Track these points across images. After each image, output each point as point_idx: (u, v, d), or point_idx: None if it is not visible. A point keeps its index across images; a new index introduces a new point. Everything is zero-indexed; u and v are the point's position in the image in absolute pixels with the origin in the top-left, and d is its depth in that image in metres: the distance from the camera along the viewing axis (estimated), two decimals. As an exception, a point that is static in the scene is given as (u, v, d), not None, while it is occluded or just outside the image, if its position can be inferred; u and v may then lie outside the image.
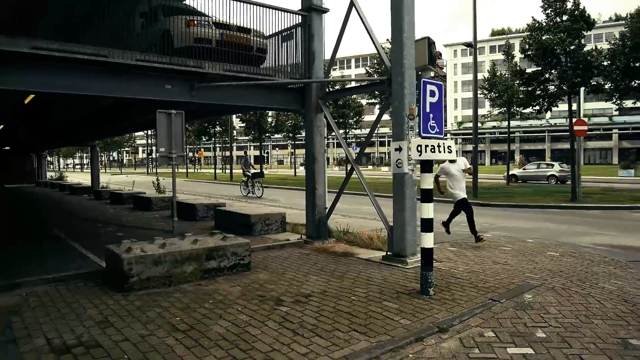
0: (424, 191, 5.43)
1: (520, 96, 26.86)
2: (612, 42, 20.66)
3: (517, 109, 28.57)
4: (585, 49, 16.86)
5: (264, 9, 7.96)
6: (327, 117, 8.42)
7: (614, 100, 21.20)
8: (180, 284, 5.89)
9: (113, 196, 17.71)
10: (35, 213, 15.94)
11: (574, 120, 16.73)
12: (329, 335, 4.27)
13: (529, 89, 18.89)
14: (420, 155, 5.24)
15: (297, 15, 8.54)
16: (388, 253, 7.25)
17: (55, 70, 6.28)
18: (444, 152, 5.45)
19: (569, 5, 16.91)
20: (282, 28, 8.36)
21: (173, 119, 7.18)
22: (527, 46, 17.89)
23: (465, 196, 8.80)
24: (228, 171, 55.77)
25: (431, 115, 5.38)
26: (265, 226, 9.87)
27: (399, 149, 6.96)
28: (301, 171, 53.49)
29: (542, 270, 6.74)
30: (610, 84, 18.84)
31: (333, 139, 52.58)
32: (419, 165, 5.81)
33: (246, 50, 7.95)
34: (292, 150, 76.09)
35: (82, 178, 41.47)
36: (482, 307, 5.06)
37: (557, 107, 20.06)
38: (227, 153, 52.25)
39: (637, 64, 19.54)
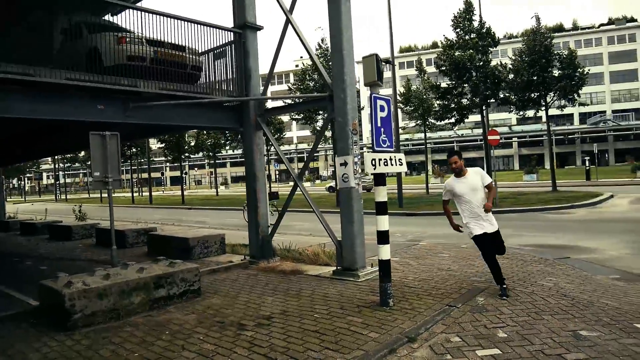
0: (379, 204, 5.55)
1: (435, 109, 28.61)
2: (512, 58, 22.73)
3: (432, 121, 30.31)
4: (492, 64, 18.33)
5: (197, 25, 7.77)
6: (266, 134, 8.34)
7: (517, 111, 23.24)
8: (129, 317, 5.48)
9: (24, 226, 16.14)
10: None
11: (488, 130, 18.04)
12: (303, 356, 4.18)
13: (444, 102, 20.11)
14: (375, 169, 5.36)
15: (231, 33, 8.42)
16: (338, 268, 7.29)
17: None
18: (396, 164, 5.62)
19: (476, 24, 18.34)
20: (216, 45, 8.20)
21: (108, 141, 6.73)
22: (440, 62, 19.07)
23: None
24: (146, 194, 53.18)
25: (382, 129, 5.53)
26: (205, 249, 9.52)
27: (345, 164, 7.06)
28: (222, 191, 52.34)
29: (484, 273, 7.11)
30: (514, 96, 20.57)
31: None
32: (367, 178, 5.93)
33: (181, 68, 7.68)
34: (212, 170, 74.52)
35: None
36: (442, 314, 5.23)
37: (468, 118, 21.55)
38: (144, 175, 49.99)
39: (534, 78, 21.65)
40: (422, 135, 72.19)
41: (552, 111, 24.24)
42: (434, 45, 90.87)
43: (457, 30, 18.24)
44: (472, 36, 18.27)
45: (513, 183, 35.52)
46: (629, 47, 75.28)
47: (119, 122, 6.99)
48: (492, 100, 19.32)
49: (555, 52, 23.19)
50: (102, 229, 12.30)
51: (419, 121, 29.53)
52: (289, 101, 13.40)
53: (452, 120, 20.08)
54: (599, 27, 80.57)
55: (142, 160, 43.58)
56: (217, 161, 49.94)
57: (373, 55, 5.46)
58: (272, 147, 34.66)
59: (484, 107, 18.66)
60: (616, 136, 73.19)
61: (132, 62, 7.00)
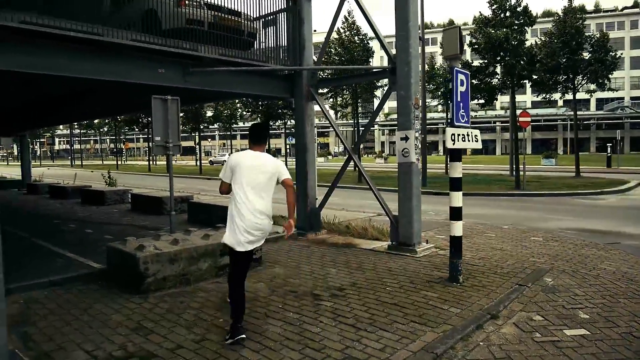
0: (454, 180, 5.45)
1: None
2: (541, 39, 22.16)
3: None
4: (527, 44, 17.89)
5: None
6: (320, 105, 8.20)
7: (543, 95, 22.78)
8: (197, 282, 5.48)
9: (54, 190, 16.20)
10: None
11: (521, 112, 17.74)
12: (392, 327, 4.15)
13: (474, 82, 19.72)
14: (453, 144, 5.24)
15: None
16: (393, 243, 7.24)
17: (40, 49, 5.53)
18: (472, 141, 5.50)
19: (512, 1, 17.83)
20: (270, 12, 8.00)
21: (169, 106, 6.62)
22: (474, 39, 18.63)
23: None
24: (160, 163, 53.32)
25: (461, 104, 5.39)
26: (248, 219, 9.48)
27: (405, 138, 6.94)
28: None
29: (541, 254, 7.06)
30: (543, 78, 20.13)
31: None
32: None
33: (237, 34, 7.52)
34: (224, 142, 74.41)
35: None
36: (515, 292, 5.18)
37: (497, 100, 21.18)
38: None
39: (564, 60, 21.13)
40: (435, 115, 71.55)
41: (569, 96, 23.79)
42: (450, 22, 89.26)
43: (493, 7, 17.76)
44: (507, 14, 17.78)
45: (532, 167, 35.15)
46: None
47: (176, 86, 6.86)
48: (526, 82, 18.92)
49: (586, 34, 22.62)
50: (137, 194, 12.33)
51: (441, 100, 29.18)
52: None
53: (482, 100, 19.70)
54: (622, 10, 78.46)
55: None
56: (227, 133, 49.76)
57: (456, 27, 5.28)
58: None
59: (516, 88, 18.31)
60: (633, 124, 72.05)
61: (191, 26, 6.84)
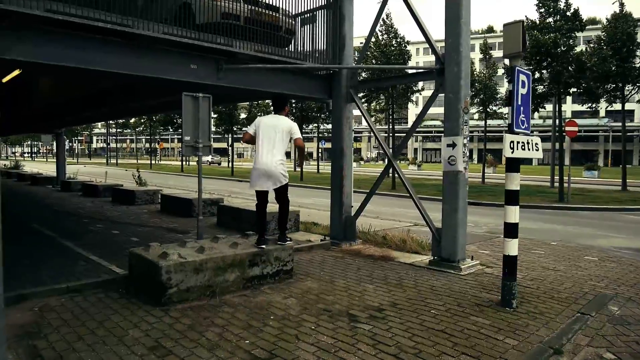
0: (511, 192, 4.86)
1: (500, 95, 27.21)
2: (591, 46, 21.03)
3: (493, 108, 28.91)
4: (577, 50, 16.94)
5: (291, -15, 7.16)
6: (359, 107, 7.71)
7: (590, 104, 21.62)
8: (223, 295, 5.06)
9: (86, 188, 16.25)
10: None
11: (565, 121, 16.78)
12: (441, 361, 3.62)
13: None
14: (512, 152, 4.66)
15: (325, -5, 7.77)
16: (435, 258, 6.67)
17: (68, 40, 5.25)
18: (533, 149, 4.91)
19: (562, 5, 16.93)
20: (310, 8, 7.58)
21: (200, 104, 6.26)
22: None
23: None
24: (192, 164, 53.81)
25: (522, 108, 4.80)
26: (279, 225, 9.06)
27: (453, 145, 6.37)
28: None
29: (599, 277, 6.36)
30: (597, 86, 19.06)
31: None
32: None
33: (275, 30, 7.12)
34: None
35: (37, 167, 38.86)
36: (577, 322, 4.55)
37: (544, 108, 20.23)
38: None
39: (613, 68, 19.95)
40: (471, 122, 69.60)
41: (617, 106, 22.48)
42: (490, 29, 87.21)
43: (541, 10, 16.87)
44: (556, 18, 16.86)
45: (574, 179, 33.62)
46: None
47: (209, 84, 6.51)
48: (574, 90, 17.89)
49: (638, 41, 21.37)
50: (167, 195, 12.10)
51: (480, 108, 28.20)
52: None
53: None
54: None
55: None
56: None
57: (519, 22, 4.71)
58: (319, 125, 33.99)
59: (562, 96, 17.33)
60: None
61: (226, 20, 6.48)
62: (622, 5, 21.44)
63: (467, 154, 6.43)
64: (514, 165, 4.82)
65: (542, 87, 18.00)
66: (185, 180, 29.17)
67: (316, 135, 40.25)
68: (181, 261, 4.81)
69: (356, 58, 8.12)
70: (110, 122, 53.96)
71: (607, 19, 22.28)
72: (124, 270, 5.81)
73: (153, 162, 54.95)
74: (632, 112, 70.40)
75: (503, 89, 28.68)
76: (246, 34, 6.61)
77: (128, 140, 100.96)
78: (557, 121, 19.86)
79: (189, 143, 6.24)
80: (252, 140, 5.69)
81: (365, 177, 31.33)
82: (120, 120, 53.73)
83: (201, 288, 4.94)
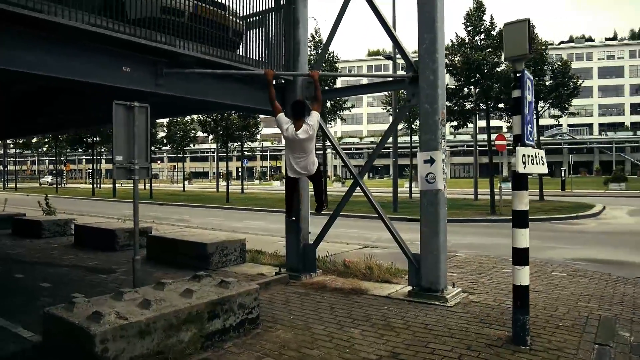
0: (519, 213, 4.25)
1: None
2: (506, 64, 22.11)
3: (416, 124, 29.54)
4: (502, 67, 17.52)
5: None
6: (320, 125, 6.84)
7: (507, 119, 22.67)
8: (178, 361, 3.89)
9: (-23, 220, 13.72)
10: None
11: (495, 135, 17.20)
12: None
13: (448, 104, 19.15)
14: (524, 167, 4.05)
15: (275, -4, 6.88)
16: (415, 288, 5.92)
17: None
18: (539, 163, 4.34)
19: (487, 24, 17.47)
20: (260, 10, 6.64)
21: (136, 115, 5.04)
22: (449, 61, 18.07)
23: None
24: (105, 186, 49.77)
25: (528, 117, 4.22)
26: (224, 257, 7.90)
27: (431, 161, 5.72)
28: (186, 186, 49.83)
29: (584, 296, 5.99)
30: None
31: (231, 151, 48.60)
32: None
33: (222, 31, 6.11)
34: (174, 165, 71.08)
35: None
36: (603, 357, 3.99)
37: (471, 122, 20.76)
38: (103, 166, 46.89)
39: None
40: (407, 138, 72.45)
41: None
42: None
43: (468, 28, 17.29)
44: (481, 37, 17.36)
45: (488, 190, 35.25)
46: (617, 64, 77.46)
47: (146, 91, 5.33)
48: (502, 105, 18.48)
49: (549, 61, 22.87)
50: (83, 226, 10.31)
51: (405, 123, 28.66)
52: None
53: (455, 123, 19.10)
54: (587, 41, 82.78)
55: (103, 149, 40.39)
56: (178, 155, 47.15)
57: (524, 20, 4.14)
58: (243, 143, 32.73)
59: (490, 111, 17.82)
60: (570, 149, 75.34)
61: (167, 17, 5.36)
62: (532, 28, 22.84)
63: (446, 171, 5.81)
64: (523, 182, 4.21)
65: (469, 103, 18.38)
66: (99, 205, 26.47)
67: (239, 154, 38.89)
68: (121, 323, 3.59)
69: (318, 64, 7.27)
70: (8, 141, 48.35)
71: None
72: (33, 334, 4.40)
73: (60, 185, 50.04)
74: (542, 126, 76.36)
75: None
76: (190, 34, 5.52)
77: (29, 162, 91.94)
78: (481, 136, 20.45)
79: (121, 164, 4.97)
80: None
81: (268, 196, 30.55)
82: (20, 140, 48.39)
83: (149, 356, 3.74)
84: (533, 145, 4.29)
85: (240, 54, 6.49)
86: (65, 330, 3.71)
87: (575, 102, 25.87)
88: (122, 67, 5.03)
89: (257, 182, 72.26)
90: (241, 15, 6.35)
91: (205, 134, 31.24)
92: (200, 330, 4.16)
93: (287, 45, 6.84)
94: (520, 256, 4.25)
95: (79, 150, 40.39)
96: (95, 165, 42.25)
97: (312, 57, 21.15)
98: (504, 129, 62.21)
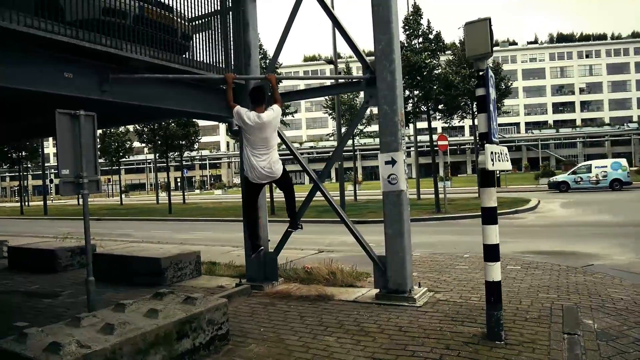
0: (488, 210, 4.30)
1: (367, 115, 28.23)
2: (442, 66, 22.92)
3: (359, 127, 30.00)
4: (441, 70, 18.12)
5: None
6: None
7: (445, 120, 23.51)
8: (147, 389, 3.58)
9: None
10: None
11: (437, 136, 17.74)
12: None
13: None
14: (493, 164, 4.10)
15: (222, -1, 6.65)
16: (382, 290, 5.88)
17: None
18: (504, 160, 4.43)
19: (424, 28, 18.02)
20: (207, 12, 6.38)
21: (82, 124, 4.63)
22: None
23: None
24: (34, 204, 46.51)
25: (493, 115, 4.30)
26: (178, 271, 7.51)
27: (392, 162, 5.71)
28: (124, 199, 47.74)
29: (542, 287, 6.23)
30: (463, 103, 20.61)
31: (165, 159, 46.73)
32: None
33: (170, 34, 5.80)
34: (109, 177, 67.79)
35: None
36: (574, 346, 4.11)
37: (412, 124, 21.27)
38: (36, 182, 43.88)
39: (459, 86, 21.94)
40: (324, 142, 73.15)
41: (468, 121, 25.02)
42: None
43: (407, 32, 17.74)
44: (419, 40, 17.89)
45: (430, 190, 36.46)
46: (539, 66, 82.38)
47: (91, 98, 4.93)
48: (442, 106, 19.10)
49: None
50: (19, 248, 9.45)
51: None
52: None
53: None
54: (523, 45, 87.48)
55: (29, 165, 37.67)
56: (113, 167, 45.00)
57: (485, 19, 4.21)
58: (182, 152, 31.75)
59: (432, 113, 18.37)
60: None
61: (109, 18, 5.00)
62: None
63: (406, 172, 5.82)
64: (490, 179, 4.27)
65: (411, 104, 18.85)
66: (30, 224, 24.60)
67: (177, 164, 37.64)
68: (84, 353, 3.25)
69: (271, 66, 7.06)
70: None
71: (454, 43, 24.59)
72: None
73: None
74: (462, 128, 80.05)
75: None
76: (137, 37, 5.18)
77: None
78: (421, 138, 21.02)
79: (68, 178, 4.54)
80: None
81: (239, 204, 29.94)
82: None
83: (116, 385, 3.41)
84: (497, 143, 4.37)
85: (189, 57, 6.21)
86: (19, 367, 3.30)
87: (504, 102, 27.26)
88: (64, 73, 4.62)
89: (197, 191, 70.48)
90: (189, 17, 6.08)
91: (143, 145, 29.96)
92: (170, 352, 3.87)
93: (237, 48, 6.62)
94: (492, 252, 4.30)
95: (3, 166, 37.38)
96: (22, 182, 39.38)
97: (262, 62, 21.00)
98: (439, 130, 65.07)
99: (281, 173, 5.24)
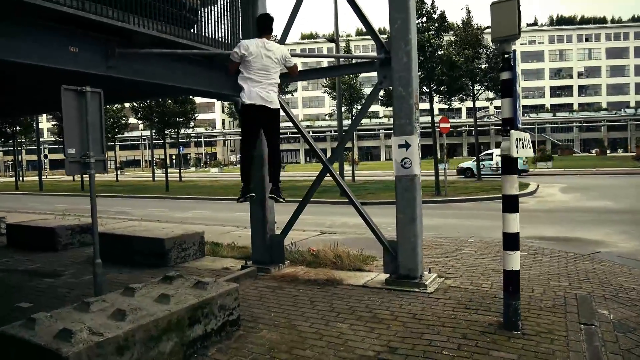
0: (509, 198, 4.18)
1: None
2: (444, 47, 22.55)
3: (358, 107, 29.73)
4: (443, 51, 17.81)
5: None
6: (282, 106, 6.47)
7: (445, 101, 23.24)
8: (160, 377, 3.49)
9: None
10: None
11: (439, 118, 17.54)
12: None
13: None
14: (517, 151, 3.97)
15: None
16: (392, 276, 5.79)
17: None
18: (528, 147, 4.29)
19: (428, 7, 17.63)
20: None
21: (88, 102, 4.43)
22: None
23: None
24: (28, 179, 46.17)
25: (518, 100, 4.14)
26: (182, 251, 7.39)
27: (406, 145, 5.56)
28: (120, 176, 47.46)
29: (553, 275, 6.15)
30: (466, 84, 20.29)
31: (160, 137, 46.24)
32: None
33: (177, 8, 5.55)
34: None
35: None
36: (593, 337, 4.05)
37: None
38: (30, 157, 43.54)
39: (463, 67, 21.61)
40: (321, 122, 72.80)
41: (439, 105, 24.72)
42: (359, 32, 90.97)
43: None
44: (423, 20, 17.51)
45: (428, 171, 36.43)
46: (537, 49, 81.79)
47: (96, 73, 4.71)
48: (443, 88, 18.84)
49: (484, 45, 23.61)
50: (17, 225, 9.29)
51: (346, 107, 28.66)
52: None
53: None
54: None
55: (24, 140, 37.17)
56: (109, 144, 44.40)
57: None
58: (179, 130, 31.37)
59: (434, 94, 18.13)
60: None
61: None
62: (468, 12, 23.44)
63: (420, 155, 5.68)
64: (514, 166, 4.13)
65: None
66: (26, 200, 24.36)
67: (173, 141, 37.16)
68: (97, 341, 3.13)
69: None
70: None
71: (457, 24, 24.11)
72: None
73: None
74: (459, 110, 79.66)
75: (367, 89, 29.60)
76: (144, 10, 4.94)
77: None
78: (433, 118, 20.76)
79: (74, 157, 4.36)
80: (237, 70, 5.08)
81: (236, 183, 29.81)
82: None
83: (129, 373, 3.31)
84: (522, 130, 4.22)
85: (196, 33, 5.97)
86: (28, 355, 3.18)
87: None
88: (69, 47, 4.40)
89: (193, 169, 70.14)
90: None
91: (140, 121, 29.56)
92: (182, 338, 3.76)
93: (245, 24, 6.37)
94: (511, 241, 4.20)
95: (-3, 141, 36.90)
96: (17, 157, 38.87)
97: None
98: (435, 111, 65.00)
99: (276, 108, 5.06)
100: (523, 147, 4.13)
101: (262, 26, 5.17)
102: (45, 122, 62.46)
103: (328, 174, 6.42)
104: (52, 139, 42.56)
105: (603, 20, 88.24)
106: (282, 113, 5.70)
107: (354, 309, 4.95)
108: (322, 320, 4.64)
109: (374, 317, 4.66)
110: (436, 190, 18.42)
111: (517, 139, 3.94)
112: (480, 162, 27.55)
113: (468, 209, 15.23)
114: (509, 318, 4.23)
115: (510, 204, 4.17)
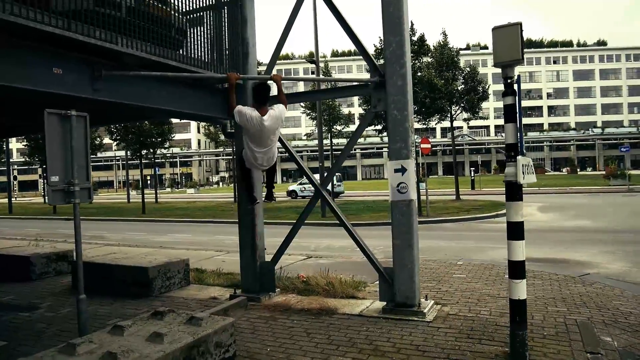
0: (514, 225, 4.09)
1: (343, 115, 28.13)
2: (422, 69, 22.88)
3: (337, 128, 29.90)
4: (423, 73, 18.03)
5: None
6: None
7: (422, 122, 23.47)
8: None
9: None
10: None
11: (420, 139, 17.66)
12: None
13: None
14: (524, 177, 3.89)
15: (218, -7, 6.24)
16: (389, 304, 5.61)
17: None
18: (531, 172, 4.22)
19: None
20: (201, 6, 5.96)
21: (73, 126, 4.17)
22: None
23: None
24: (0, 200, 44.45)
25: (521, 125, 4.08)
26: (166, 280, 7.06)
27: (402, 170, 5.46)
28: (98, 198, 46.19)
29: (548, 299, 6.10)
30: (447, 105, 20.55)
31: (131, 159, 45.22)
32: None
33: (165, 28, 5.37)
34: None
35: None
36: (602, 369, 3.95)
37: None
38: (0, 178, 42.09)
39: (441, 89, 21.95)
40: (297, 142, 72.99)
41: (446, 123, 25.18)
42: (334, 53, 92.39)
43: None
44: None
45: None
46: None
47: (82, 97, 4.48)
48: (424, 109, 19.03)
49: (460, 66, 24.06)
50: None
51: (326, 127, 28.72)
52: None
53: (379, 127, 19.37)
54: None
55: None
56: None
57: (515, 24, 3.98)
58: (155, 150, 30.83)
59: (414, 115, 18.28)
60: (471, 150, 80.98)
61: (101, 9, 4.55)
62: (445, 35, 23.88)
63: (415, 180, 5.58)
64: (519, 192, 4.05)
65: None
66: (17, 223, 23.29)
67: (148, 161, 36.45)
68: (86, 390, 2.85)
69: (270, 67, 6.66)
70: None
71: (433, 46, 24.56)
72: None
73: None
74: (434, 129, 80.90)
75: (345, 109, 29.86)
76: (132, 31, 4.74)
77: None
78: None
79: (57, 186, 4.08)
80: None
81: (215, 204, 29.33)
82: None
83: None
84: (524, 155, 4.16)
85: (184, 54, 5.79)
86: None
87: (482, 105, 27.50)
88: (53, 68, 4.16)
89: (169, 189, 69.01)
90: (184, 11, 5.66)
91: (114, 142, 28.89)
92: (176, 382, 3.49)
93: (233, 46, 6.23)
94: (517, 269, 4.10)
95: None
96: (44, 185, 37.48)
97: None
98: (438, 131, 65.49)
99: (274, 162, 5.23)
100: (528, 173, 4.05)
101: (259, 97, 4.99)
102: (15, 143, 60.75)
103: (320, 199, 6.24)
104: (22, 159, 41.27)
105: (569, 44, 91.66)
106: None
107: (353, 340, 4.74)
108: (321, 354, 4.41)
109: (376, 350, 4.46)
110: (418, 211, 18.41)
111: (523, 165, 3.87)
112: (302, 185, 31.66)
113: (451, 229, 15.24)
114: (516, 349, 4.09)
115: (516, 231, 4.08)
